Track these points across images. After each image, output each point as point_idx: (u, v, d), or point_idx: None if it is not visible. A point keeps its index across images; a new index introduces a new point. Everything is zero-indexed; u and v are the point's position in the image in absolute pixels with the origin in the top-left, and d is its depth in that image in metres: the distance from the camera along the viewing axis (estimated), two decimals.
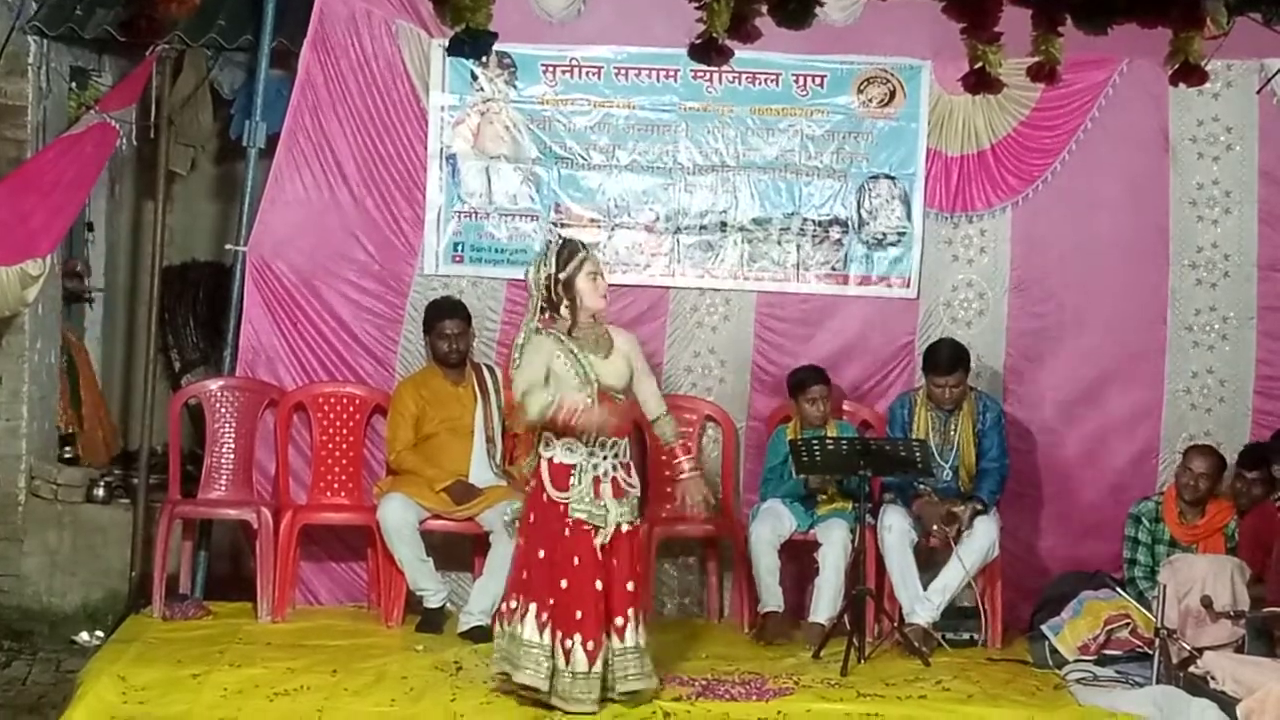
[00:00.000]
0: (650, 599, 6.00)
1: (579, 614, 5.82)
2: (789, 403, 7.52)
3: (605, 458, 5.86)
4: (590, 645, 5.81)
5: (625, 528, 5.88)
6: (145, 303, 7.85)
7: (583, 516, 5.84)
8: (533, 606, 5.86)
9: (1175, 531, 7.13)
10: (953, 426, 7.34)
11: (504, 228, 7.76)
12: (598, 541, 5.83)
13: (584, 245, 6.00)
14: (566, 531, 5.86)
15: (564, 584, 5.84)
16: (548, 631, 5.84)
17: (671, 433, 6.18)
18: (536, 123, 7.74)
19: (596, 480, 5.85)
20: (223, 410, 7.54)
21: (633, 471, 5.99)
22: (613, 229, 7.74)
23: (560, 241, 6.07)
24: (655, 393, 6.20)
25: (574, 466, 5.86)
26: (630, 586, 5.89)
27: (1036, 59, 6.14)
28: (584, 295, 5.85)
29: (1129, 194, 7.79)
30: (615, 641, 5.87)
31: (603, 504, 5.84)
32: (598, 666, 5.83)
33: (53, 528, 7.75)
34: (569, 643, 5.82)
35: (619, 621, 5.87)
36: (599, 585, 5.83)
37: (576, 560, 5.84)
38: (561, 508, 5.87)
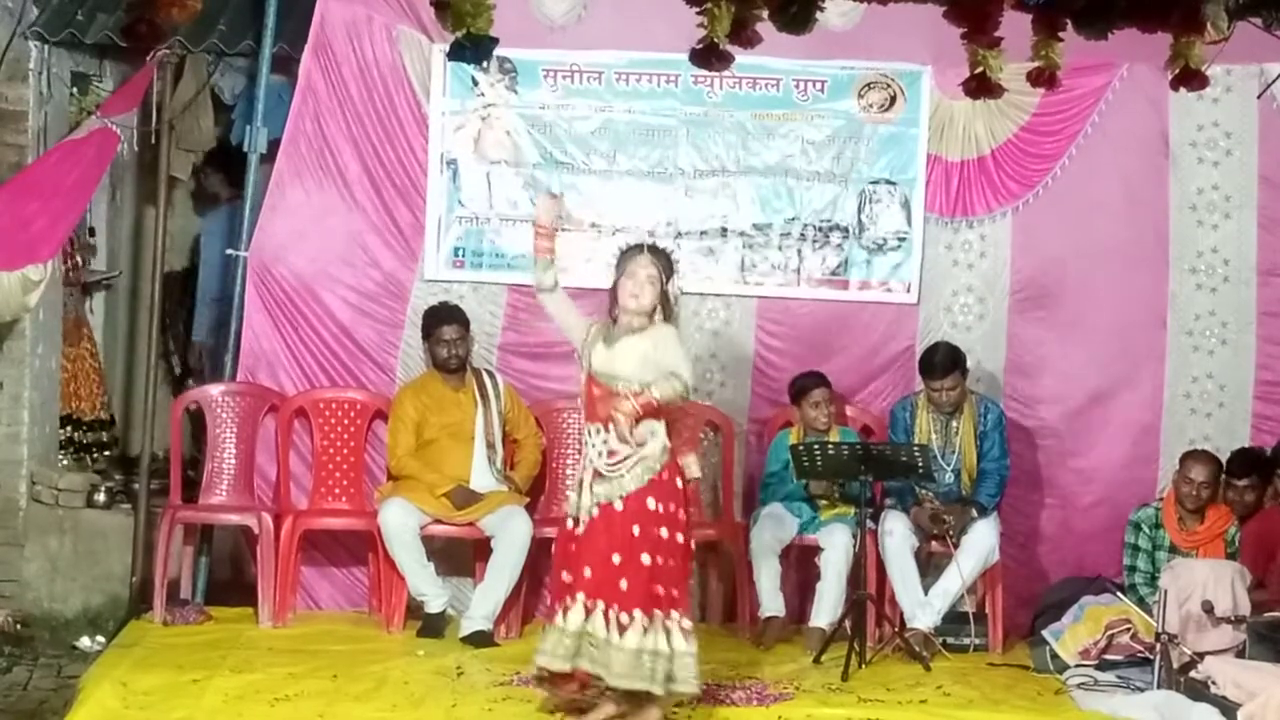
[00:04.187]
0: (638, 592, 5.61)
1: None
2: (790, 408, 7.53)
3: (593, 445, 5.76)
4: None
5: (595, 512, 5.69)
6: (146, 307, 7.85)
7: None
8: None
9: (1175, 538, 7.14)
10: (954, 429, 7.36)
11: (505, 233, 7.77)
12: (577, 531, 5.75)
13: (643, 248, 5.79)
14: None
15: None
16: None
17: (657, 394, 5.61)
18: (537, 128, 7.75)
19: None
20: (224, 415, 7.55)
21: (619, 455, 5.65)
22: (613, 234, 7.73)
23: (626, 246, 5.92)
24: (666, 371, 5.65)
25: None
26: (587, 573, 5.65)
27: (1037, 64, 6.14)
28: (619, 296, 5.79)
29: (1129, 199, 7.80)
30: (569, 621, 5.65)
31: (574, 493, 5.77)
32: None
33: (54, 533, 7.74)
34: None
35: (588, 604, 5.64)
36: (564, 576, 5.76)
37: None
38: None
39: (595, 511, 5.71)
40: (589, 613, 5.63)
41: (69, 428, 8.23)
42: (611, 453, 5.71)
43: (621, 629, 5.62)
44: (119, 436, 8.68)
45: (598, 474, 5.73)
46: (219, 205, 8.74)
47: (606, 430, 5.71)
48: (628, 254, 5.82)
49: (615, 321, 5.81)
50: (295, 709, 5.94)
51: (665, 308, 5.79)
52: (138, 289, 8.88)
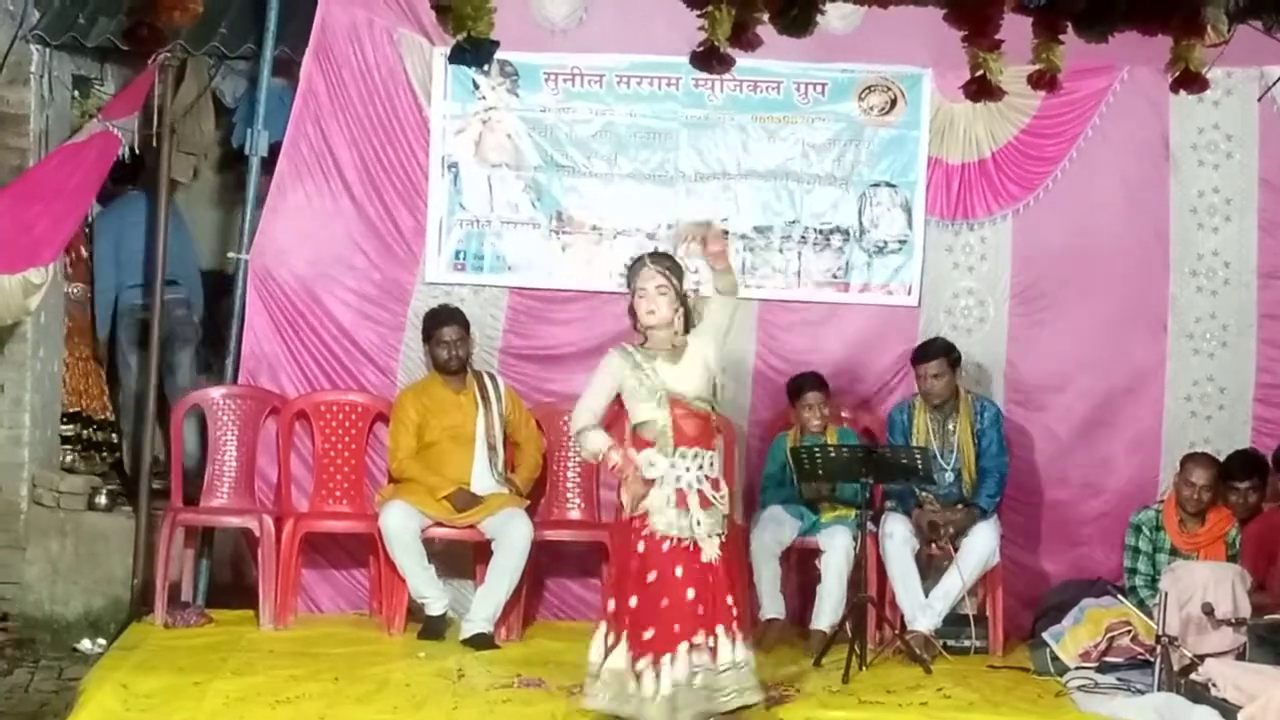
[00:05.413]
0: (726, 612, 5.63)
1: (650, 633, 5.57)
2: (789, 410, 7.53)
3: (689, 469, 5.61)
4: (667, 659, 5.53)
5: (713, 538, 5.60)
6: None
7: (666, 529, 5.59)
8: (623, 635, 5.63)
9: (1176, 540, 7.13)
10: (951, 430, 7.36)
11: (506, 236, 7.78)
12: (704, 557, 5.58)
13: (647, 259, 5.71)
14: (641, 546, 5.61)
15: (633, 602, 5.60)
16: (626, 656, 5.60)
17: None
18: (538, 131, 7.76)
19: (680, 492, 5.60)
20: (225, 418, 7.55)
21: (720, 485, 5.68)
22: (614, 237, 7.75)
23: (633, 259, 5.85)
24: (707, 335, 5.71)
25: (656, 480, 5.61)
26: (729, 600, 5.61)
27: (1037, 67, 6.14)
28: (637, 313, 5.70)
29: (1129, 201, 7.80)
30: (707, 659, 5.53)
31: (689, 515, 5.58)
32: (665, 688, 5.50)
33: (55, 535, 7.75)
34: (639, 664, 5.55)
35: (709, 641, 5.55)
36: (689, 595, 5.56)
37: (653, 575, 5.59)
38: (636, 522, 5.63)
39: (713, 538, 5.61)
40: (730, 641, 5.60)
41: (78, 425, 8.23)
42: (710, 479, 5.64)
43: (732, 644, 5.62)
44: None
45: (705, 500, 5.61)
46: (110, 199, 8.37)
47: (708, 450, 5.65)
48: (632, 270, 5.74)
49: (645, 340, 5.71)
50: (296, 711, 5.94)
51: (687, 314, 5.71)
52: None
